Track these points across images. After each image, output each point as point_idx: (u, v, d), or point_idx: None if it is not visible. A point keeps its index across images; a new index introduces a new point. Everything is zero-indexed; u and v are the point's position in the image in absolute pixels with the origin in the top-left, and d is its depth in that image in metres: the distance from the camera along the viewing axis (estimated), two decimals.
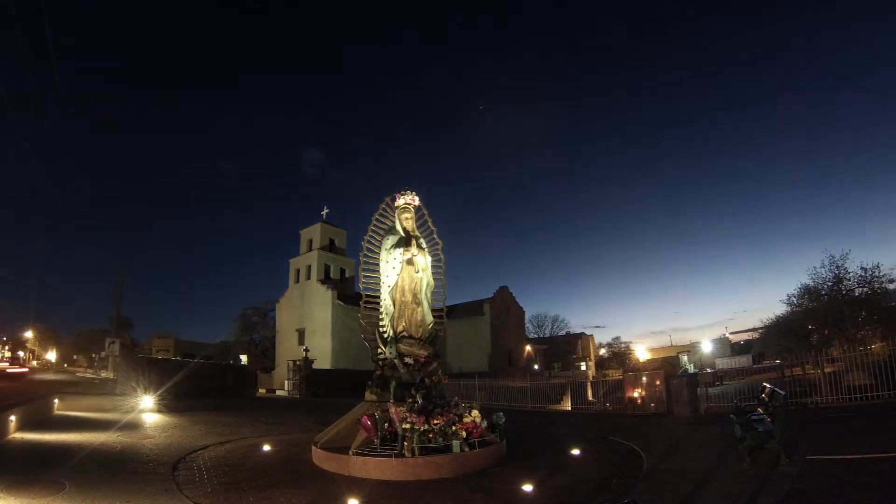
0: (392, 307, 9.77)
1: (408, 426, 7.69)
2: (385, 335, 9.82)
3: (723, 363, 40.80)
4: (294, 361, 34.39)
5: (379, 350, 9.90)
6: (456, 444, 7.87)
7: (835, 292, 18.15)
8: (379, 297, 10.12)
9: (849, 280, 18.19)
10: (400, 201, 10.34)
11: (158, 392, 16.31)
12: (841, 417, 10.96)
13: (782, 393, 8.09)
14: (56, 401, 13.50)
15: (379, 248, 10.27)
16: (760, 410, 7.42)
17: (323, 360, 34.93)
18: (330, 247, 41.55)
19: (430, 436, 7.82)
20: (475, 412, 8.70)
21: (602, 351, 51.88)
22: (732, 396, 14.97)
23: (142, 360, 24.79)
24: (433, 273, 10.33)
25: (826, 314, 17.73)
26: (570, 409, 18.36)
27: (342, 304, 36.81)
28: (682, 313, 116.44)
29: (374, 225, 10.55)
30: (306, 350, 33.42)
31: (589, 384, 20.41)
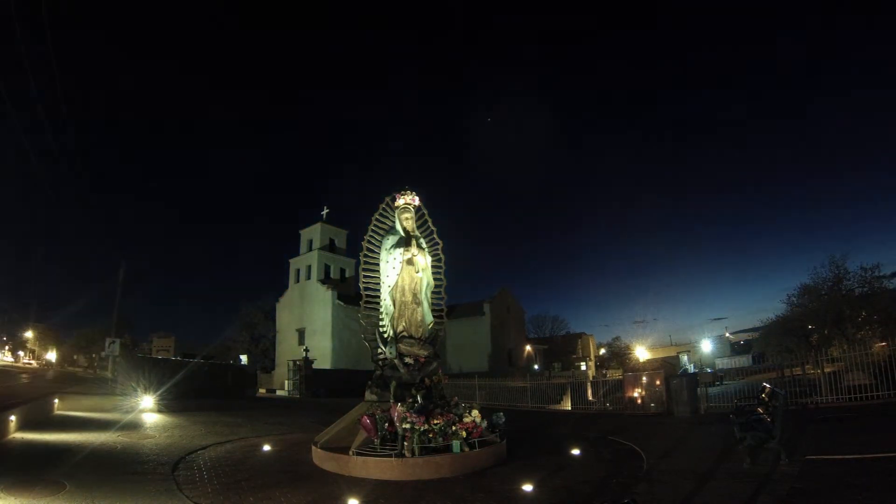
0: (392, 307, 9.78)
1: (408, 426, 7.70)
2: (385, 335, 9.82)
3: (723, 363, 40.78)
4: (294, 361, 34.42)
5: (379, 350, 9.91)
6: (456, 444, 7.87)
7: (835, 292, 18.14)
8: (379, 297, 10.13)
9: (849, 280, 18.20)
10: (400, 201, 10.34)
11: (158, 392, 16.30)
12: (841, 417, 10.95)
13: (782, 393, 8.09)
14: (56, 401, 13.50)
15: (379, 248, 10.27)
16: (760, 410, 7.41)
17: (323, 360, 34.94)
18: (330, 247, 41.54)
19: (430, 436, 7.82)
20: (475, 412, 8.71)
21: (602, 351, 51.82)
22: (732, 396, 14.96)
23: (142, 360, 24.78)
24: (433, 273, 10.34)
25: (826, 314, 17.72)
26: (570, 408, 18.35)
27: (342, 304, 36.81)
28: (682, 312, 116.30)
29: (374, 225, 10.55)
30: (306, 350, 33.44)
31: (589, 384, 20.39)
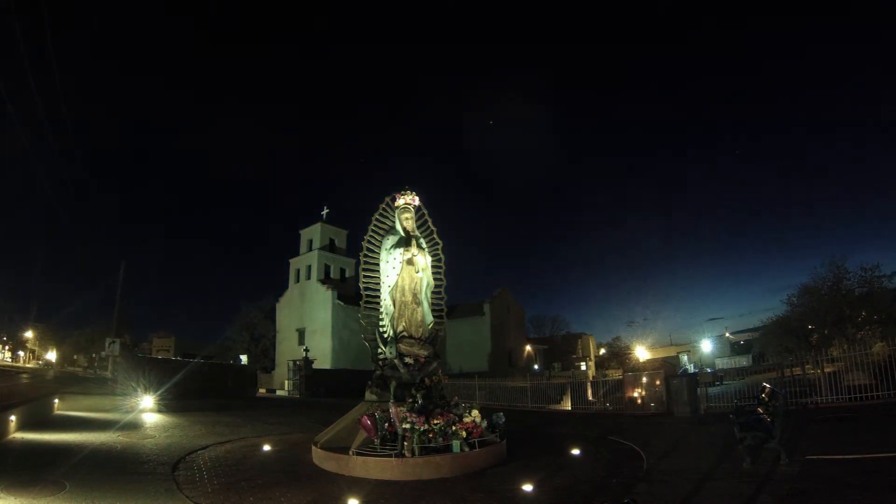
0: (392, 307, 9.78)
1: (408, 426, 7.70)
2: (385, 335, 9.83)
3: (723, 363, 40.77)
4: (294, 361, 34.42)
5: (379, 350, 9.91)
6: (456, 444, 7.87)
7: (835, 292, 18.15)
8: (379, 297, 10.13)
9: (849, 280, 18.21)
10: (400, 201, 10.34)
11: (158, 392, 16.31)
12: (841, 417, 10.96)
13: (782, 393, 8.09)
14: (56, 401, 13.50)
15: (379, 248, 10.28)
16: (760, 410, 7.42)
17: (323, 360, 34.95)
18: (330, 247, 41.55)
19: (430, 436, 7.83)
20: (475, 412, 8.72)
21: (602, 351, 51.80)
22: (732, 396, 14.97)
23: (142, 360, 24.78)
24: (433, 273, 10.34)
25: (826, 314, 17.72)
26: (570, 408, 18.36)
27: (342, 304, 36.82)
28: (682, 312, 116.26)
29: (374, 225, 10.56)
30: (306, 350, 33.44)
31: (589, 384, 20.40)
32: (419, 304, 9.97)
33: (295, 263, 41.94)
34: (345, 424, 9.18)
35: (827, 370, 14.26)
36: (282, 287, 42.87)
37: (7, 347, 51.75)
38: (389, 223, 10.48)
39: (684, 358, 44.68)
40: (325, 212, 42.24)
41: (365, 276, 10.36)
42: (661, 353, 42.88)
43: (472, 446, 8.08)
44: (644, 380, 16.32)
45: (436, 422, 7.96)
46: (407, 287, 9.91)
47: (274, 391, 34.97)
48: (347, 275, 41.67)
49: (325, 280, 39.45)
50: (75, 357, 51.54)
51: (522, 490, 6.41)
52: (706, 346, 46.98)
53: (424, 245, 10.23)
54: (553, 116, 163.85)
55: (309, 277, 39.97)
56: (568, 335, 51.72)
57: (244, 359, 40.74)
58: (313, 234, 41.34)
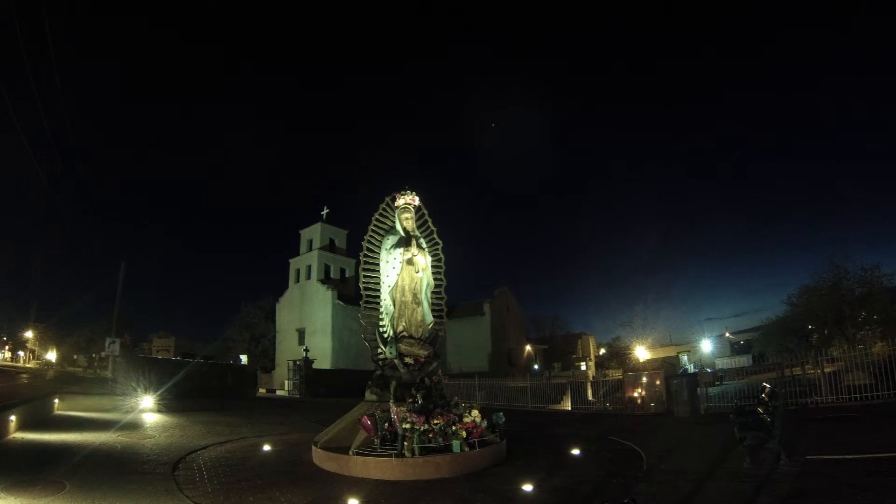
0: (392, 307, 9.78)
1: (408, 426, 7.70)
2: (385, 335, 9.83)
3: (723, 363, 40.76)
4: (294, 361, 34.46)
5: (379, 350, 9.92)
6: (456, 444, 7.87)
7: (835, 292, 18.15)
8: (379, 297, 10.13)
9: (848, 280, 18.21)
10: (400, 201, 10.34)
11: (158, 392, 16.31)
12: (841, 417, 10.96)
13: (782, 393, 8.10)
14: (56, 401, 13.50)
15: (379, 248, 10.28)
16: (760, 410, 7.42)
17: (323, 360, 34.96)
18: (330, 247, 41.58)
19: (430, 436, 7.83)
20: (475, 412, 8.71)
21: (602, 351, 51.79)
22: (732, 396, 14.97)
23: (142, 360, 24.79)
24: (433, 273, 10.34)
25: (826, 314, 17.74)
26: (570, 408, 18.37)
27: (342, 304, 36.84)
28: (682, 312, 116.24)
29: (374, 225, 10.56)
30: (306, 350, 33.46)
31: (589, 384, 20.41)
32: (419, 304, 9.97)
33: (295, 263, 41.97)
34: (345, 424, 9.18)
35: (827, 370, 14.27)
36: (282, 287, 42.96)
37: (7, 347, 51.74)
38: (389, 223, 10.48)
39: (684, 358, 44.71)
40: (325, 212, 42.32)
41: (365, 276, 10.36)
42: (661, 353, 42.83)
43: (472, 446, 8.08)
44: (644, 380, 16.33)
45: (436, 422, 7.96)
46: (407, 287, 9.91)
47: (274, 391, 35.00)
48: (347, 275, 41.69)
49: (325, 280, 39.48)
50: (75, 357, 51.51)
51: (522, 490, 6.41)
52: (706, 345, 46.98)
53: (424, 245, 10.23)
54: (554, 116, 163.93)
55: (309, 277, 40.00)
56: (568, 335, 51.68)
57: (244, 359, 40.75)
58: (313, 234, 41.39)
